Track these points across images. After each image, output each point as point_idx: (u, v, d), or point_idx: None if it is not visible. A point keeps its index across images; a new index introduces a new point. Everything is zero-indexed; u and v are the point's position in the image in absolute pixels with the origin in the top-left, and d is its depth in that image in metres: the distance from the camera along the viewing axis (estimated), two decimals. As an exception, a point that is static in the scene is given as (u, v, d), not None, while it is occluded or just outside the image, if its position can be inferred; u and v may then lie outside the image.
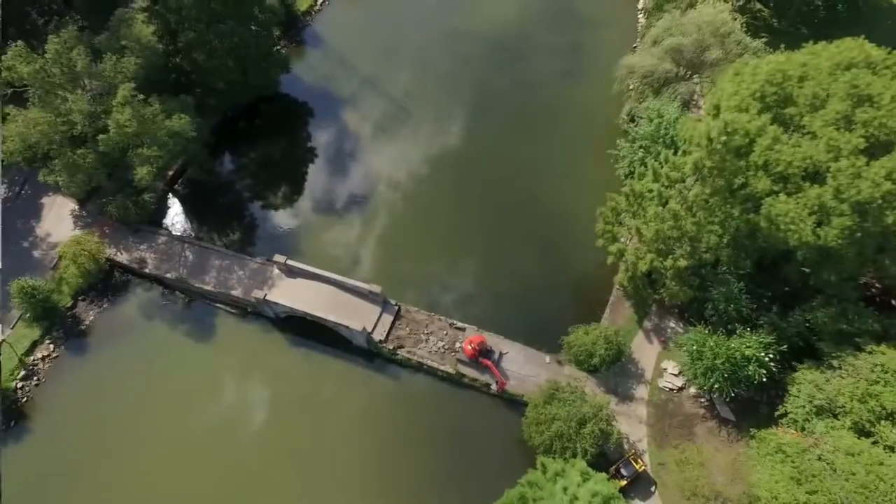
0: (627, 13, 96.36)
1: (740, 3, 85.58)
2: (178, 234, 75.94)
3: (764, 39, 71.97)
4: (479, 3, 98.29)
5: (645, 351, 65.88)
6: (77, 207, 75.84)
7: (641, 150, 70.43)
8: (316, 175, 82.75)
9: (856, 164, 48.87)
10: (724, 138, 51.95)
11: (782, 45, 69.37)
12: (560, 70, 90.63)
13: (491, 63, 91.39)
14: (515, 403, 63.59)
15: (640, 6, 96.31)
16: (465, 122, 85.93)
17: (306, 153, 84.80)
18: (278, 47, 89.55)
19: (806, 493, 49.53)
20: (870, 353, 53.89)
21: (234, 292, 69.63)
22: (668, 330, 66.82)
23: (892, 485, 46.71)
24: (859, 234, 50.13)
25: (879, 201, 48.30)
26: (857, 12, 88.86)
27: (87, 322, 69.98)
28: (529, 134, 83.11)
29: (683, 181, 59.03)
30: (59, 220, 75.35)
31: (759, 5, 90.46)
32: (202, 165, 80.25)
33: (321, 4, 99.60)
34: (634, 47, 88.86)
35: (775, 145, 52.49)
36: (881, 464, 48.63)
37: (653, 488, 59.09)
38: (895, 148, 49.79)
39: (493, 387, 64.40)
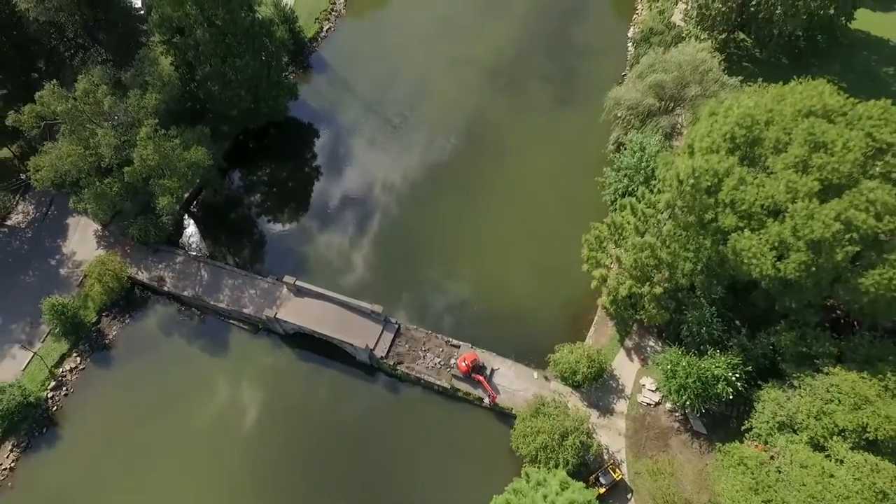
0: (618, 42, 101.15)
1: (723, 36, 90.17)
2: (194, 253, 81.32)
3: (740, 78, 76.54)
4: (479, 31, 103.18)
5: (626, 368, 70.87)
6: (100, 228, 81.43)
7: (626, 178, 75.53)
8: (322, 196, 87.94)
9: (809, 206, 53.74)
10: (692, 181, 57.11)
11: (759, 79, 73.94)
12: (553, 96, 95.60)
13: (488, 88, 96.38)
14: (505, 416, 68.52)
15: (629, 35, 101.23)
16: (462, 146, 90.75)
17: (312, 174, 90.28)
18: (286, 73, 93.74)
19: (762, 501, 54.70)
20: (826, 374, 58.58)
21: (246, 310, 74.95)
22: (648, 348, 71.79)
23: (837, 495, 51.82)
24: (814, 269, 55.07)
25: (830, 240, 53.28)
26: (835, 43, 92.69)
27: (110, 336, 75.74)
28: (523, 161, 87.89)
29: (659, 215, 64.19)
30: (83, 240, 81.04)
31: (741, 35, 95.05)
32: (216, 189, 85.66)
33: (327, 31, 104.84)
34: (624, 75, 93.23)
35: (740, 185, 57.43)
36: (831, 476, 53.55)
37: (629, 496, 64.16)
38: (846, 191, 54.71)
39: (485, 400, 69.39)
